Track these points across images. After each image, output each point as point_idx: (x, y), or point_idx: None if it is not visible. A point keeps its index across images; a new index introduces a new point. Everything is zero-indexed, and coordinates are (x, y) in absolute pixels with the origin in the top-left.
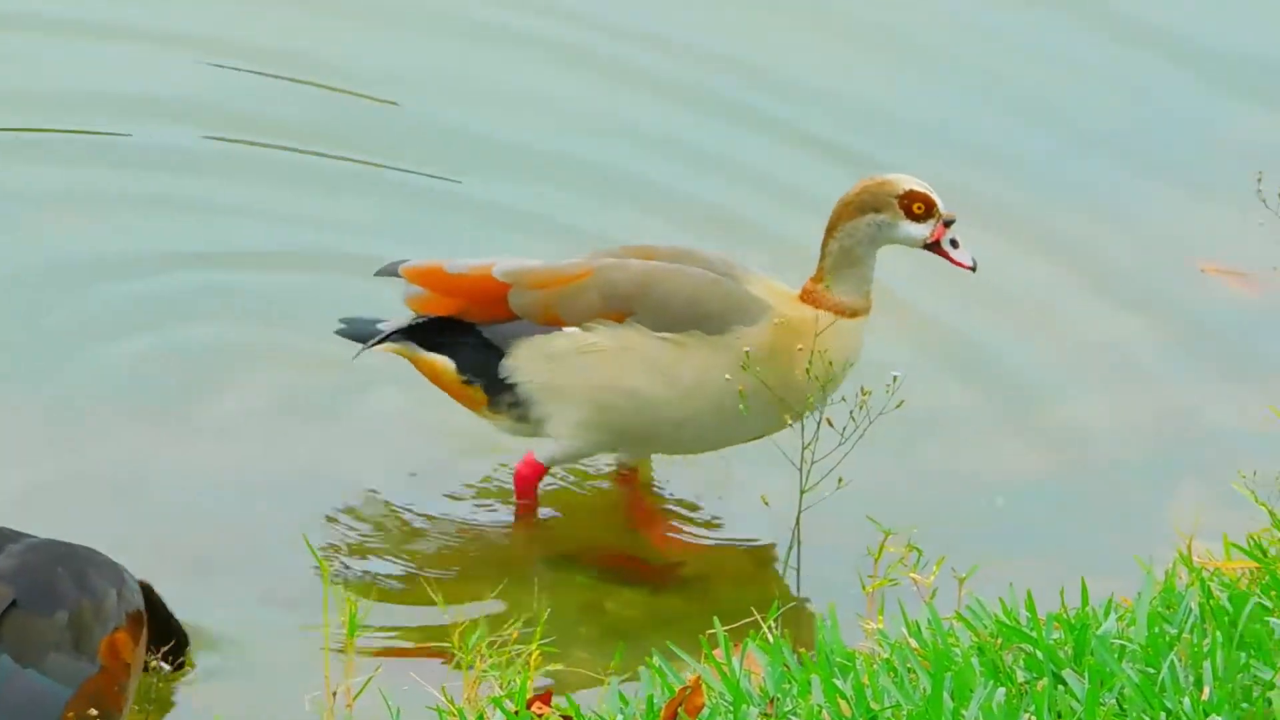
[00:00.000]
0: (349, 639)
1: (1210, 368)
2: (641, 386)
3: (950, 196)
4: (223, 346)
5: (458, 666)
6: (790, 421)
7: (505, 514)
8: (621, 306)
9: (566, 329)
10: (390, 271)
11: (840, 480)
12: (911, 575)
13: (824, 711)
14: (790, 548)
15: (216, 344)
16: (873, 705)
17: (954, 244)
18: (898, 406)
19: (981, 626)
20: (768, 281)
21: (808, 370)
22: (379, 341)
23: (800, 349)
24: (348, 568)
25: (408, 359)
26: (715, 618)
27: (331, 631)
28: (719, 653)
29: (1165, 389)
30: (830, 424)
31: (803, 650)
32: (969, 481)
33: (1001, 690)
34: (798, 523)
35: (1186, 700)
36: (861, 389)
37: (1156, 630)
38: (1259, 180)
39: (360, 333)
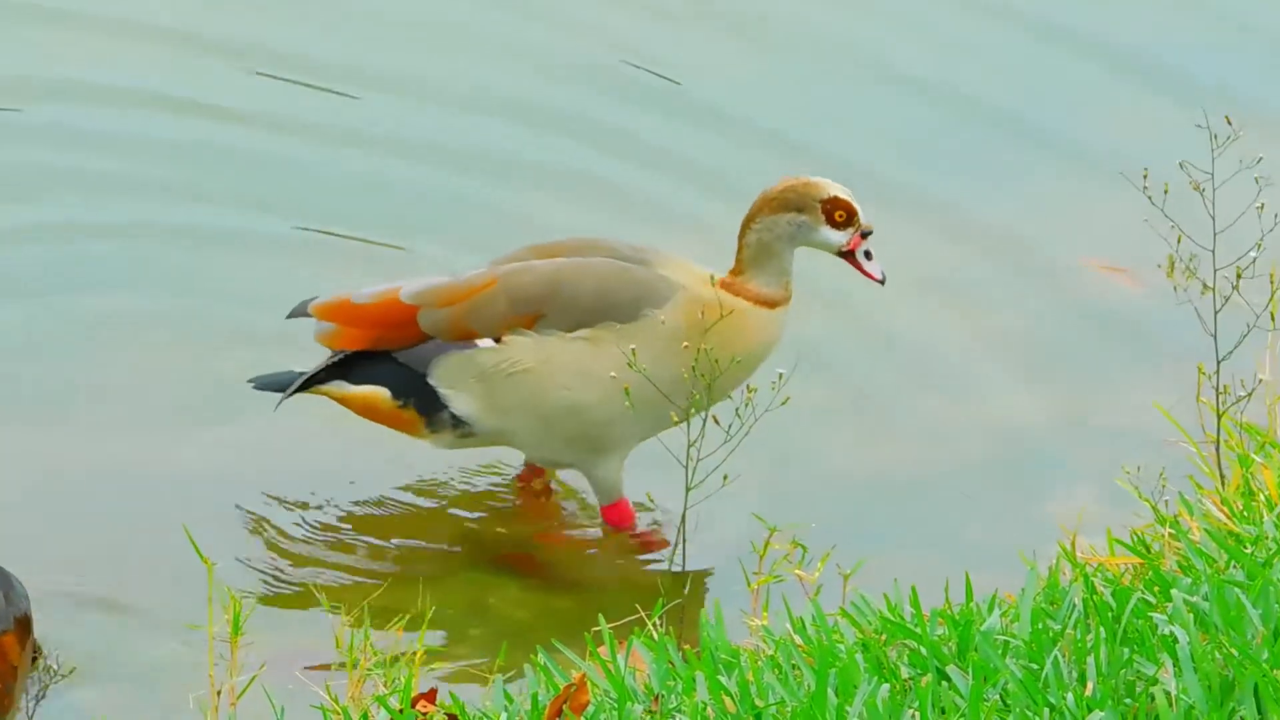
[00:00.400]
0: (233, 638)
1: (1094, 364)
2: (570, 394)
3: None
4: (122, 323)
5: (343, 665)
6: (704, 406)
7: (391, 511)
8: (530, 310)
9: (481, 343)
10: (300, 312)
11: (725, 477)
12: (796, 572)
13: (708, 708)
14: (675, 545)
15: (115, 319)
16: (757, 702)
17: (868, 255)
18: (783, 404)
19: (866, 623)
20: (685, 264)
21: (695, 360)
22: (301, 387)
23: (707, 331)
24: (251, 564)
25: (335, 399)
26: (600, 615)
27: (217, 631)
28: (604, 650)
29: (1049, 385)
30: (716, 421)
31: (688, 647)
32: (854, 477)
33: (886, 686)
34: (683, 520)
35: (1070, 696)
36: (747, 387)
37: (1040, 626)
38: (1144, 176)
39: (277, 383)
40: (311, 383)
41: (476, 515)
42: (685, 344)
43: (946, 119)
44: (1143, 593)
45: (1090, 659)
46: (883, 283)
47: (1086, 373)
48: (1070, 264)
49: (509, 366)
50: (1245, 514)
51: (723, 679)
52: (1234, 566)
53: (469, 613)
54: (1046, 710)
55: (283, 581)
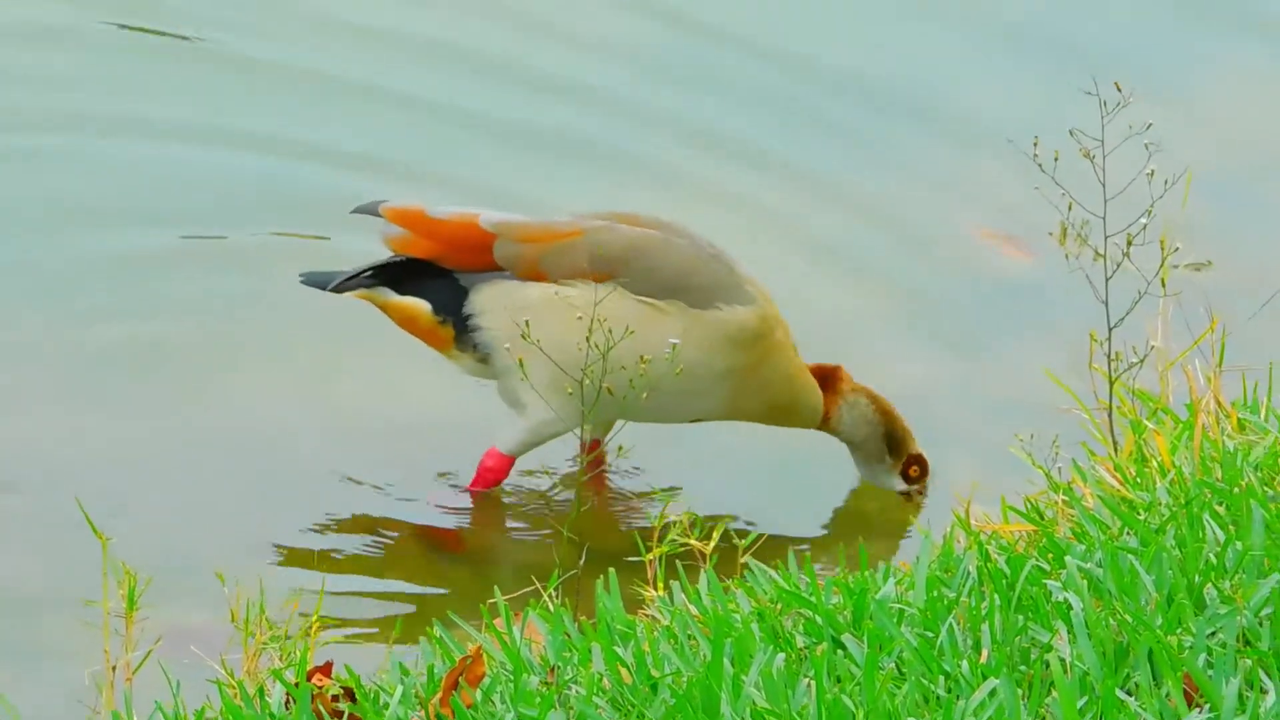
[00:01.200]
0: (128, 613)
1: (987, 332)
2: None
3: (723, 151)
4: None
5: (239, 640)
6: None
7: (287, 485)
8: (608, 269)
9: (543, 284)
10: (370, 210)
11: (621, 448)
12: (692, 542)
13: (604, 679)
14: (571, 514)
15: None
16: (653, 673)
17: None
18: (677, 374)
19: (761, 592)
20: (757, 280)
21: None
22: (347, 282)
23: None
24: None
25: (377, 304)
26: (496, 588)
27: (112, 606)
28: (499, 622)
29: (942, 354)
30: (610, 392)
31: (584, 619)
32: (749, 449)
33: (781, 655)
34: (578, 490)
35: (965, 663)
36: (641, 356)
37: (935, 594)
38: (1035, 145)
39: (323, 281)
40: (357, 284)
41: (374, 488)
42: (747, 347)
43: (832, 93)
44: (1037, 560)
45: (985, 626)
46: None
47: (979, 341)
48: (962, 233)
49: (554, 303)
50: (1138, 480)
51: (619, 650)
52: (1127, 533)
53: (365, 586)
54: (942, 678)
55: (178, 556)
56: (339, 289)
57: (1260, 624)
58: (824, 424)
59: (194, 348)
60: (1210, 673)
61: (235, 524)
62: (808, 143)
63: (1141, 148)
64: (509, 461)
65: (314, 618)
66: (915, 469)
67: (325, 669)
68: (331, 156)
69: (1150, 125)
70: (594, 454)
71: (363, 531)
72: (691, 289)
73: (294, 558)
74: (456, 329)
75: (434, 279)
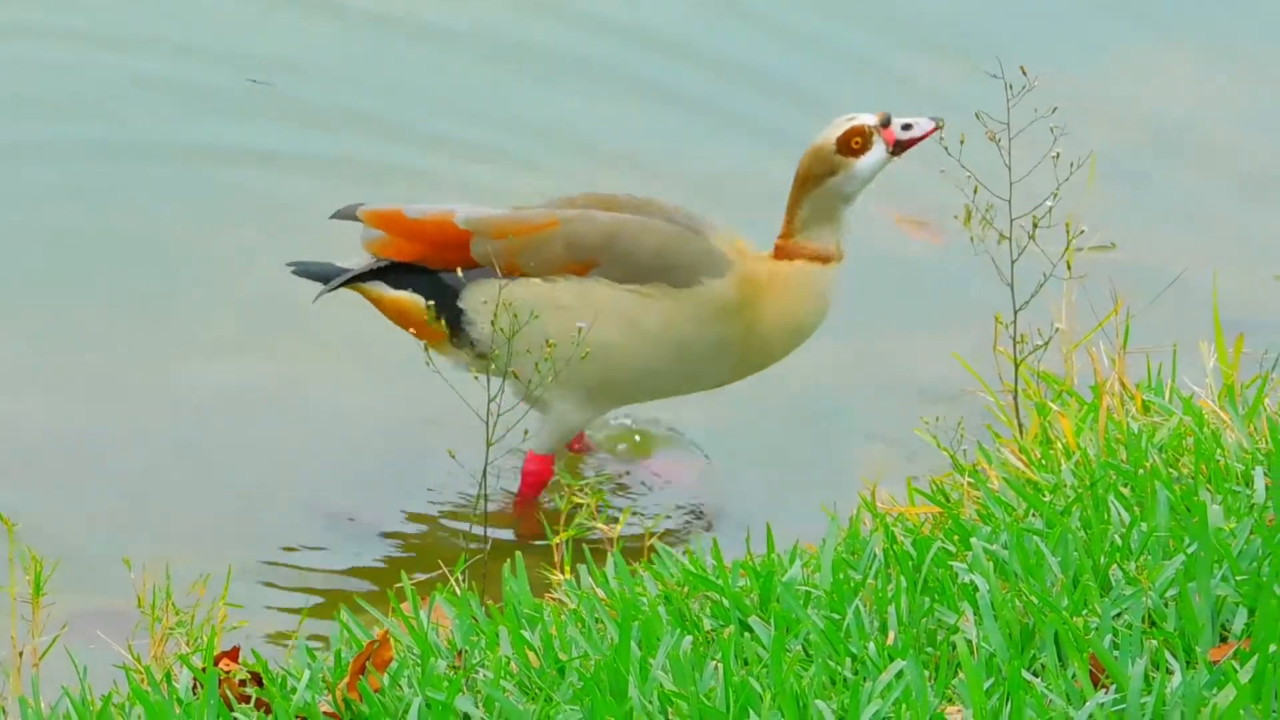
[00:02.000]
0: (34, 598)
1: (894, 316)
2: (605, 338)
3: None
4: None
5: (146, 625)
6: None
7: (195, 468)
8: (586, 258)
9: (532, 281)
10: (348, 214)
11: (526, 433)
12: (599, 525)
13: (512, 663)
14: (477, 499)
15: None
16: (560, 656)
17: (907, 128)
18: (583, 358)
19: (668, 575)
20: (730, 237)
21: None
22: (344, 283)
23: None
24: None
25: (372, 299)
26: (402, 571)
27: (18, 591)
28: (406, 606)
29: (847, 337)
30: (516, 376)
31: (490, 602)
32: (660, 432)
33: (688, 638)
34: (484, 476)
35: (871, 645)
36: (547, 340)
37: (841, 576)
38: (941, 128)
39: (317, 274)
40: (352, 281)
41: (283, 473)
42: (735, 314)
43: (739, 78)
44: (943, 542)
45: (891, 608)
46: (940, 125)
47: (885, 325)
48: (868, 215)
49: (547, 302)
50: (1043, 462)
51: (526, 633)
52: (1033, 515)
53: (272, 571)
54: (849, 660)
55: (85, 540)
56: (335, 288)
57: (1165, 605)
58: (830, 259)
59: (98, 315)
60: (1116, 653)
61: (141, 508)
62: (716, 134)
63: (1047, 131)
64: (548, 460)
65: (221, 603)
66: (855, 141)
67: (232, 654)
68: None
69: (1055, 109)
70: (576, 442)
71: (269, 516)
72: (672, 269)
73: (200, 543)
74: (450, 325)
75: (424, 274)
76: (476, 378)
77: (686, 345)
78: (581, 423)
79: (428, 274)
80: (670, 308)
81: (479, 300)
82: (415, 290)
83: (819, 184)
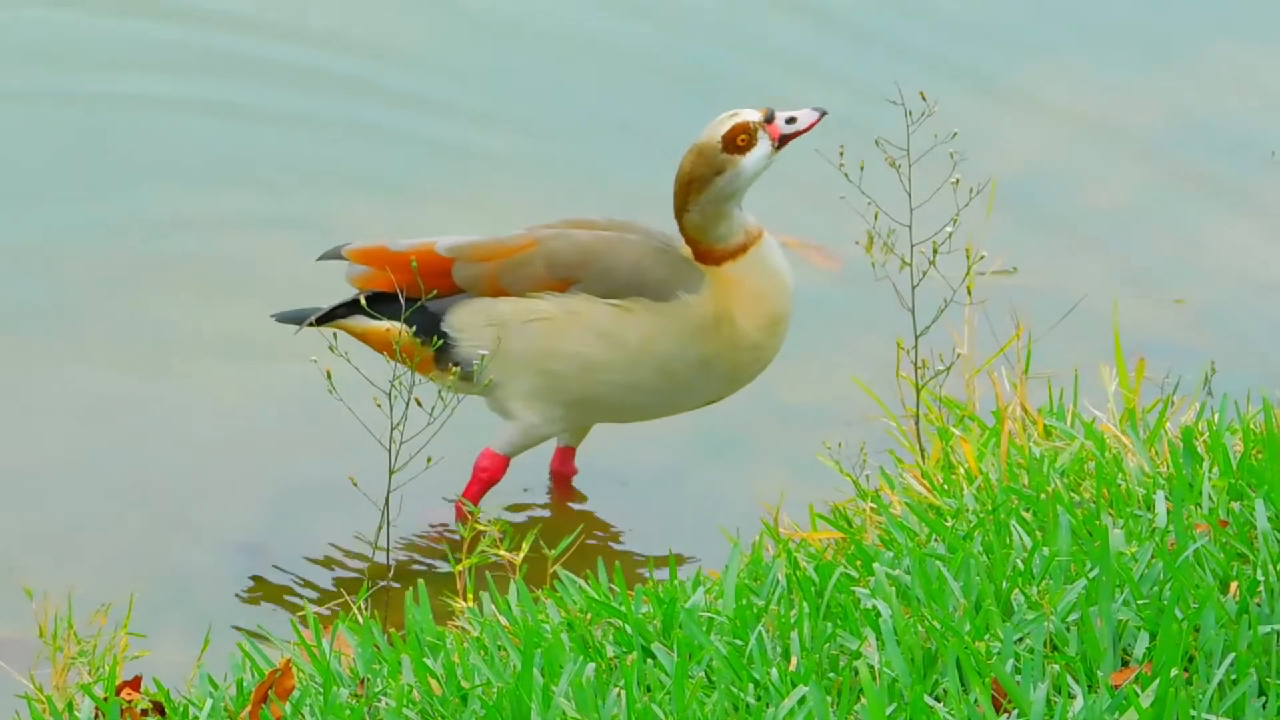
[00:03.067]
0: None
1: (793, 340)
2: (586, 350)
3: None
4: None
5: (47, 655)
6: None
7: (95, 496)
8: (566, 275)
9: (513, 298)
10: (333, 255)
11: (429, 459)
12: (501, 553)
13: (414, 691)
14: (380, 528)
15: None
16: (463, 684)
17: (791, 121)
18: (486, 385)
19: (571, 602)
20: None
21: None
22: (324, 319)
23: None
24: None
25: (354, 333)
26: (305, 600)
27: None
28: (309, 634)
29: None
30: (419, 403)
31: (393, 630)
32: (546, 458)
33: (591, 665)
34: (386, 503)
35: (774, 671)
36: (450, 366)
37: (744, 602)
38: (840, 153)
39: (299, 317)
40: (331, 317)
41: (185, 501)
42: (715, 327)
43: (631, 86)
44: (845, 567)
45: (794, 634)
46: (824, 114)
47: (786, 349)
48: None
49: (528, 314)
50: (945, 487)
51: (428, 661)
52: (935, 540)
53: (174, 600)
54: (751, 685)
55: None
56: (315, 324)
57: (1067, 629)
58: (749, 244)
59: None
60: (1018, 678)
61: (42, 537)
62: (612, 142)
63: (946, 156)
64: (503, 461)
65: (122, 632)
66: (741, 138)
67: (134, 683)
68: None
69: (955, 134)
70: (565, 465)
71: (171, 544)
72: (650, 283)
73: (101, 572)
74: (435, 350)
75: (407, 303)
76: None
77: (668, 361)
78: (549, 433)
79: (409, 303)
80: (650, 322)
81: (461, 320)
82: (396, 319)
83: (706, 186)
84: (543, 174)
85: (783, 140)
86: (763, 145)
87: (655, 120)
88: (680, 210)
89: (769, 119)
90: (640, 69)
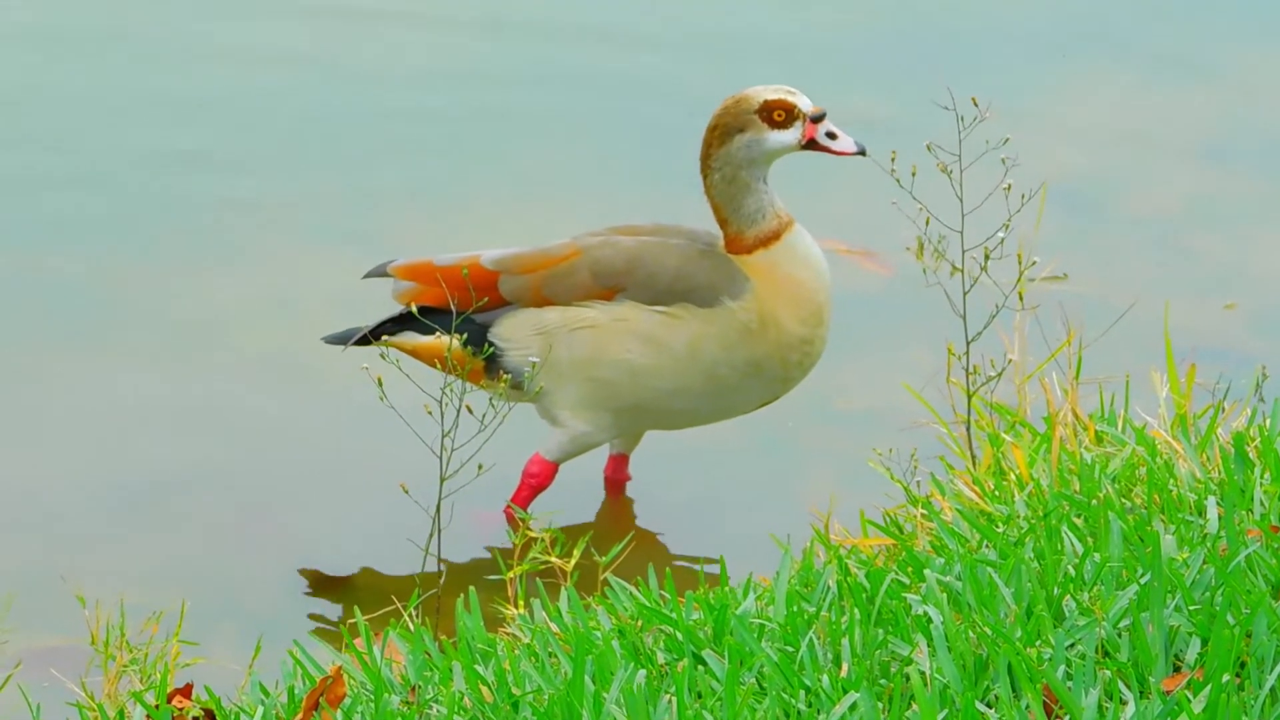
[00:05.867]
0: None
1: (845, 347)
2: (633, 357)
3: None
4: None
5: (99, 662)
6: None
7: (146, 507)
8: (611, 283)
9: (559, 307)
10: (379, 272)
11: (480, 467)
12: (552, 559)
13: (465, 698)
14: (431, 535)
15: None
16: (514, 691)
17: (831, 135)
18: (537, 392)
19: (622, 609)
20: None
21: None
22: (373, 333)
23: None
24: None
25: (405, 350)
26: (356, 607)
27: None
28: (360, 642)
29: None
30: (470, 411)
31: (444, 637)
32: (598, 465)
33: (642, 672)
34: (438, 509)
35: (825, 677)
36: (501, 374)
37: (795, 609)
38: (892, 158)
39: (343, 337)
40: (377, 335)
41: (236, 508)
42: (761, 330)
43: (676, 90)
44: (896, 574)
45: (845, 640)
46: (862, 153)
47: (837, 355)
48: (820, 248)
49: (574, 323)
50: (996, 493)
51: (479, 668)
52: (986, 546)
53: (225, 607)
54: (802, 692)
55: (38, 579)
56: (361, 342)
57: (1119, 635)
58: (780, 233)
59: (56, 364)
60: (1069, 684)
61: (95, 546)
62: (662, 160)
63: (997, 161)
64: (552, 468)
65: (174, 639)
66: (778, 113)
67: (185, 691)
68: None
69: (1007, 140)
70: (618, 473)
71: (223, 551)
72: (695, 289)
73: (153, 579)
74: (485, 360)
75: (448, 318)
76: (432, 412)
77: (716, 366)
78: (598, 441)
79: (456, 315)
80: (696, 328)
81: (509, 330)
82: (444, 332)
83: (727, 139)
84: (586, 181)
85: (811, 144)
86: (793, 133)
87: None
88: (705, 161)
89: (815, 119)
90: (687, 72)
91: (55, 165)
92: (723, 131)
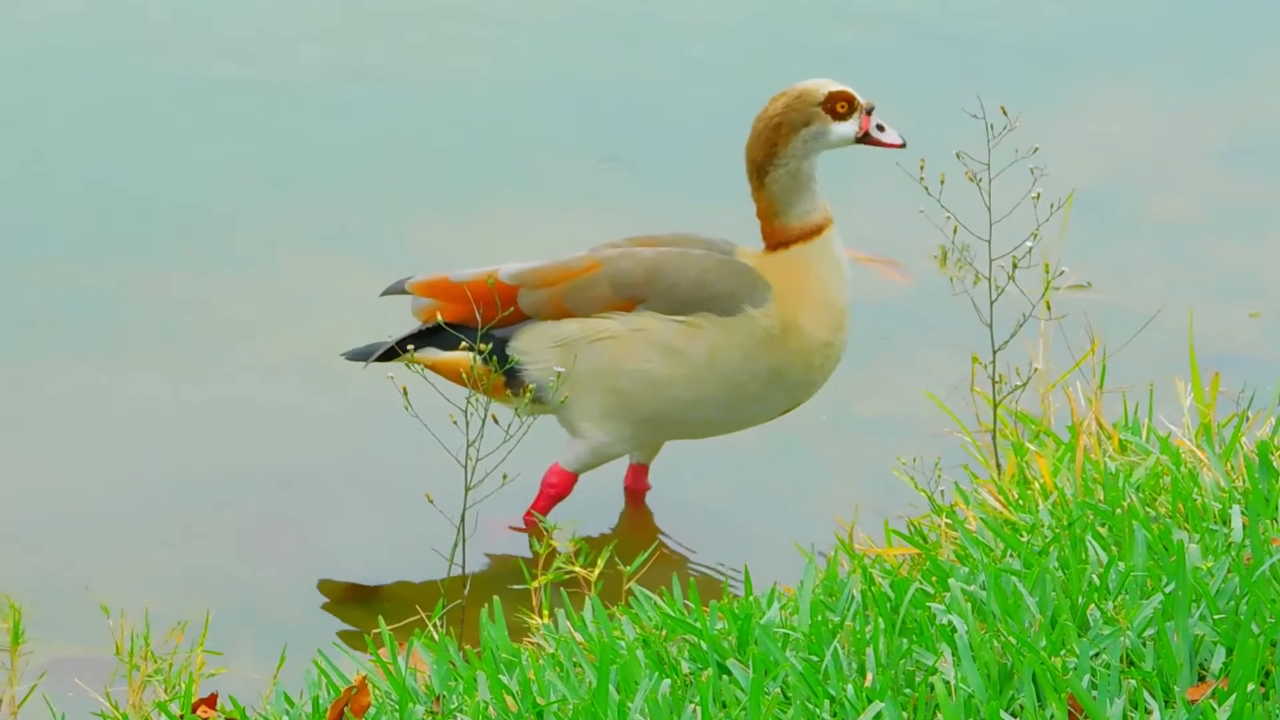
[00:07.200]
0: (13, 647)
1: (868, 355)
2: (653, 368)
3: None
4: None
5: (123, 672)
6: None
7: (169, 517)
8: (631, 294)
9: (578, 319)
10: (396, 289)
11: (505, 476)
12: (576, 569)
13: (490, 708)
14: (455, 544)
15: None
16: (539, 700)
17: (880, 129)
18: (561, 402)
19: (646, 619)
20: (750, 252)
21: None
22: (389, 354)
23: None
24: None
25: (426, 364)
26: (380, 617)
27: None
28: (384, 651)
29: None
30: (495, 420)
31: (468, 647)
32: (619, 475)
33: (667, 682)
34: (462, 519)
35: (850, 687)
36: (525, 387)
37: (819, 618)
38: (920, 166)
39: (364, 354)
40: (399, 353)
41: (262, 518)
42: (783, 337)
43: (702, 98)
44: (920, 583)
45: (869, 650)
46: (904, 146)
47: (861, 364)
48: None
49: (594, 334)
50: (1021, 502)
51: (504, 678)
52: (1010, 555)
53: (249, 617)
54: (827, 702)
55: (62, 588)
56: (382, 359)
57: (1143, 644)
58: (822, 228)
59: (78, 370)
60: (1094, 694)
61: (119, 554)
62: (686, 167)
63: (1019, 170)
64: (571, 478)
65: (198, 649)
66: (841, 105)
67: (210, 700)
68: None
69: (1036, 149)
70: (638, 483)
71: (246, 561)
72: (715, 298)
73: (178, 589)
74: (505, 374)
75: (472, 331)
76: (457, 422)
77: (737, 374)
78: (618, 452)
79: (471, 331)
80: (717, 337)
81: (528, 343)
82: (465, 348)
83: (793, 134)
84: (606, 194)
85: (865, 137)
86: (852, 125)
87: (723, 135)
88: (764, 163)
89: (868, 111)
90: (712, 81)
91: (75, 173)
92: (789, 127)
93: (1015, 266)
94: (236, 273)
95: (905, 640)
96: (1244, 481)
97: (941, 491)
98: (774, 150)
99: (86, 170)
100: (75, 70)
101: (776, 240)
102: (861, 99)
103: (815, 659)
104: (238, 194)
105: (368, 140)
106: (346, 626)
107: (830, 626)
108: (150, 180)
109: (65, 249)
